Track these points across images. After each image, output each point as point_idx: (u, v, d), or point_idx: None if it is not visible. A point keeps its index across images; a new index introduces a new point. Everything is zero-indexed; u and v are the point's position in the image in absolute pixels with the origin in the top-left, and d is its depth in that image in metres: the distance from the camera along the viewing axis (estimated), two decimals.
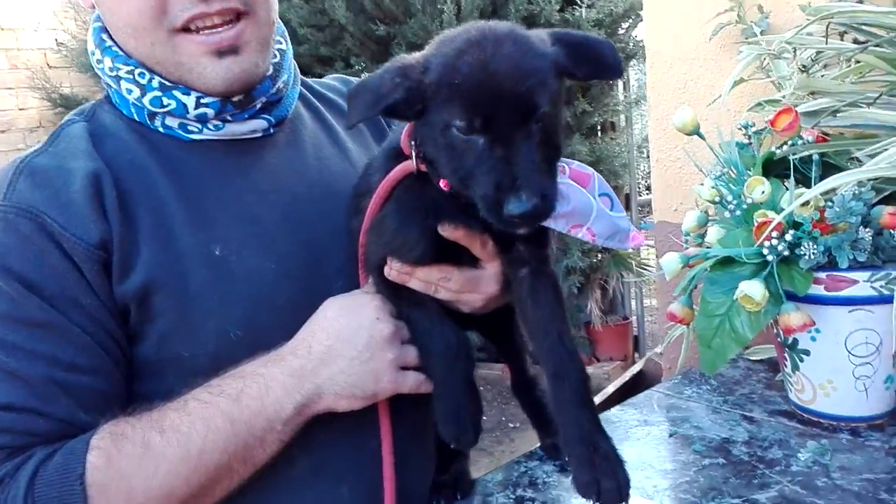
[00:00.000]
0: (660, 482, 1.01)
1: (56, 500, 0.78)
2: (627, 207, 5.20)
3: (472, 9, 4.25)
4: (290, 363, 0.88)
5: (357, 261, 0.98)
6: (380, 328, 0.91)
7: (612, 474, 0.82)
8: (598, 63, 0.84)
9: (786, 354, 1.14)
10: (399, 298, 0.94)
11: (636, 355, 5.08)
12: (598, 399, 1.71)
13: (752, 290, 0.99)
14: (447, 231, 0.88)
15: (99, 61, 0.95)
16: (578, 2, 4.27)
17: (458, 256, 0.91)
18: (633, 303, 5.19)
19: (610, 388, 1.79)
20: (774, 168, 1.15)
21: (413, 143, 0.87)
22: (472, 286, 0.92)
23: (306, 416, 0.88)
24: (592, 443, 0.83)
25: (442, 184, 0.86)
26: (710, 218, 1.24)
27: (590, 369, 5.05)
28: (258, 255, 0.93)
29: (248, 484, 0.88)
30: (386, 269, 0.92)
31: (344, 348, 0.89)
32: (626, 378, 1.84)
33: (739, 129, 1.21)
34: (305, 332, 0.91)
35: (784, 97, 1.15)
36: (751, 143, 1.20)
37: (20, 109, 5.73)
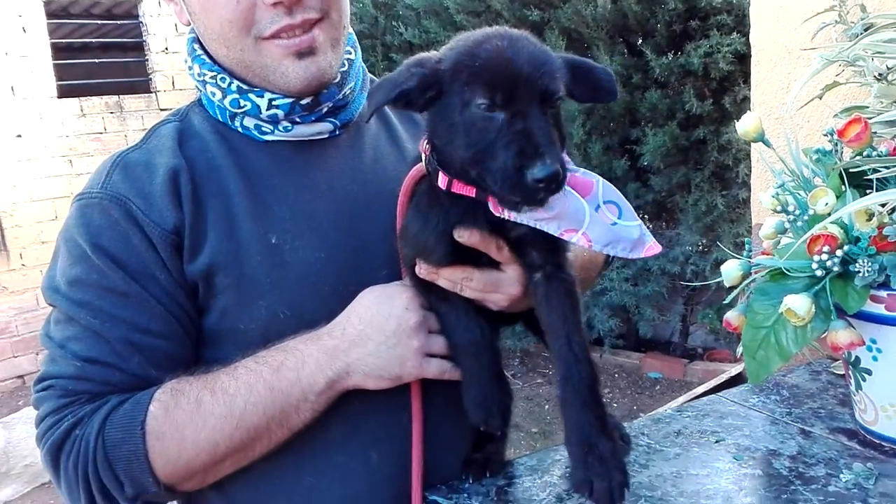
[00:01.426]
0: (686, 487, 1.02)
1: (120, 441, 0.94)
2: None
3: None
4: (325, 342, 0.99)
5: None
6: (408, 317, 1.00)
7: (605, 476, 0.86)
8: (594, 86, 0.92)
9: (850, 372, 1.10)
10: (429, 293, 1.02)
11: None
12: (683, 399, 1.69)
13: (797, 304, 0.97)
14: (462, 236, 0.94)
15: (190, 68, 1.11)
16: None
17: (480, 258, 0.97)
18: None
19: (700, 389, 1.76)
20: (855, 179, 1.10)
21: (426, 143, 0.95)
22: (493, 287, 0.99)
23: (337, 390, 1.00)
24: (590, 444, 0.88)
25: (440, 182, 0.92)
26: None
27: (736, 366, 4.83)
28: (309, 246, 1.04)
29: (287, 444, 1.01)
30: (416, 268, 1.01)
31: (374, 333, 0.99)
32: (723, 379, 1.80)
33: (824, 135, 1.16)
34: (343, 316, 1.02)
35: (871, 104, 1.09)
36: (836, 150, 1.15)
37: None
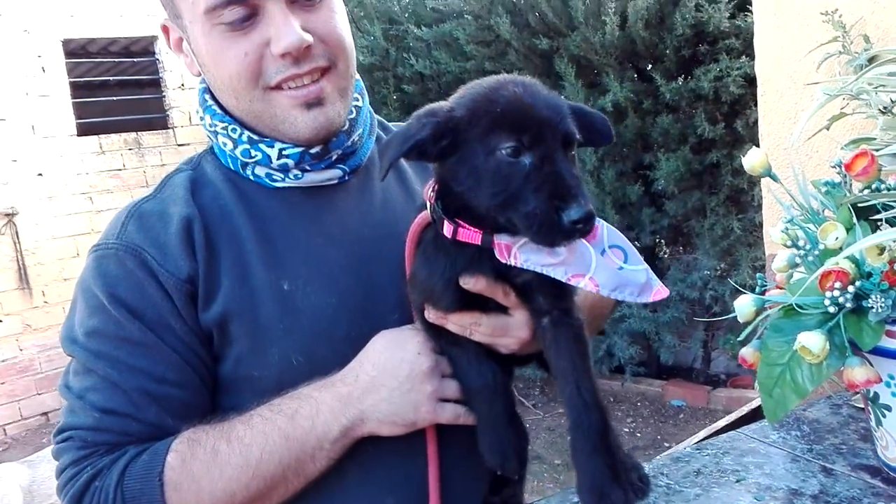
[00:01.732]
0: None
1: (139, 493, 0.95)
2: None
3: (636, 19, 4.17)
4: (338, 389, 1.00)
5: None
6: (420, 362, 1.01)
7: None
8: (591, 130, 0.94)
9: (870, 408, 1.08)
10: (440, 338, 1.03)
11: None
12: (704, 433, 1.67)
13: (812, 342, 0.96)
14: (468, 283, 0.95)
15: (202, 118, 1.13)
16: (749, 8, 4.04)
17: (487, 304, 0.98)
18: None
19: (721, 423, 1.73)
20: (865, 212, 1.10)
21: (430, 192, 0.96)
22: (502, 331, 0.99)
23: (352, 437, 1.00)
24: (602, 492, 0.87)
25: (445, 231, 0.93)
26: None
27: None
28: (321, 292, 1.05)
29: (303, 492, 1.01)
30: (426, 313, 1.02)
31: (386, 379, 0.99)
32: (744, 412, 1.77)
33: (832, 167, 1.16)
34: (355, 362, 1.02)
35: (877, 136, 1.09)
36: (845, 182, 1.15)
37: None
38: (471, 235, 0.92)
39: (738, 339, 1.13)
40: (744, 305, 1.13)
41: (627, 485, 0.90)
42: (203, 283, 1.03)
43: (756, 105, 4.24)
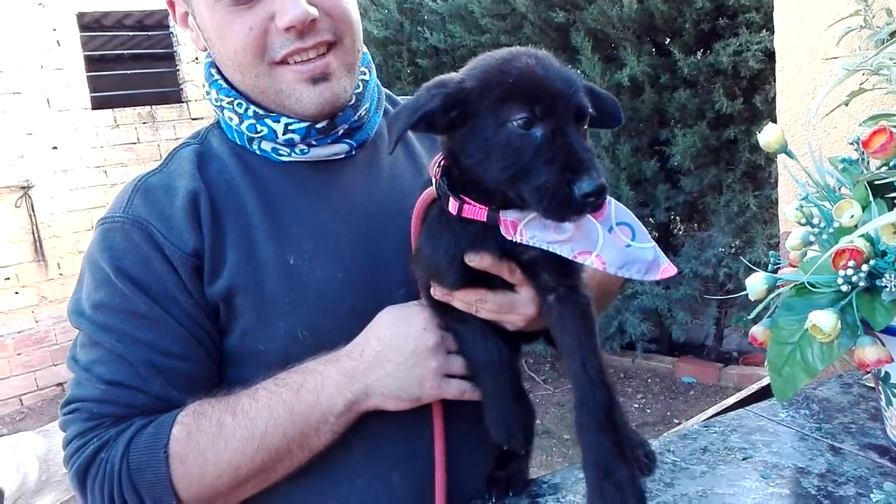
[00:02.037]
0: None
1: (144, 464, 0.96)
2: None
3: None
4: (343, 364, 1.00)
5: None
6: (426, 338, 1.00)
7: (621, 502, 0.85)
8: (602, 111, 0.92)
9: (881, 387, 1.07)
10: (446, 314, 1.02)
11: None
12: (713, 410, 1.66)
13: (823, 320, 0.95)
14: (473, 260, 0.94)
15: (208, 93, 1.12)
16: None
17: (494, 281, 0.97)
18: None
19: (730, 400, 1.72)
20: (882, 190, 1.07)
21: (436, 167, 0.95)
22: (508, 308, 0.98)
23: (356, 412, 1.00)
24: (606, 469, 0.87)
25: (450, 207, 0.92)
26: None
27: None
28: (327, 266, 1.05)
29: (308, 466, 1.02)
30: (431, 290, 1.01)
31: (392, 354, 0.99)
32: (753, 389, 1.76)
33: (850, 143, 1.13)
34: (361, 337, 1.02)
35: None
36: (862, 160, 1.12)
37: None
38: (476, 212, 0.91)
39: (750, 317, 1.12)
40: (755, 283, 1.12)
41: (633, 461, 0.89)
42: (209, 257, 1.03)
43: (775, 80, 4.17)
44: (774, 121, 3.90)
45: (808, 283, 1.01)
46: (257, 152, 1.10)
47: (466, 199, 0.92)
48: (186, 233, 1.02)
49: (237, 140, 1.11)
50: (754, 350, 5.09)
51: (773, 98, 4.11)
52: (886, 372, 1.04)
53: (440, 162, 0.96)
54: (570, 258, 0.90)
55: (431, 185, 0.98)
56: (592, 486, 0.88)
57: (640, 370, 5.07)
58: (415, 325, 1.01)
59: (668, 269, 0.93)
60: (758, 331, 1.15)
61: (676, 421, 4.32)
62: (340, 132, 1.09)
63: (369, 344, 1.01)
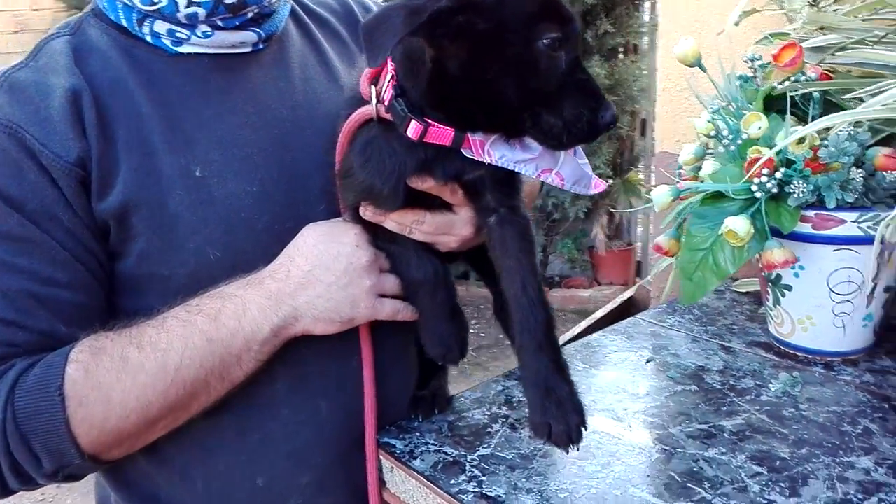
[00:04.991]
0: (630, 405, 1.05)
1: (34, 409, 0.80)
2: (643, 133, 5.14)
3: None
4: (267, 286, 0.90)
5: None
6: (358, 255, 0.92)
7: (562, 419, 0.84)
8: None
9: (769, 289, 1.17)
10: (375, 234, 0.95)
11: (637, 280, 5.14)
12: (586, 323, 1.75)
13: (738, 225, 1.00)
14: (416, 183, 0.88)
15: None
16: None
17: (432, 201, 0.91)
18: (639, 229, 5.20)
19: (598, 313, 1.82)
20: (776, 104, 1.14)
21: (374, 88, 0.86)
22: (446, 229, 0.93)
23: (283, 337, 0.91)
24: (547, 387, 0.86)
25: (411, 132, 0.83)
26: (707, 151, 1.24)
27: (590, 292, 5.15)
28: (239, 179, 0.93)
29: (226, 400, 0.91)
30: (361, 210, 0.93)
31: (322, 274, 0.90)
32: (617, 303, 1.88)
33: (745, 61, 1.19)
34: (285, 256, 0.92)
35: (794, 31, 1.13)
36: (755, 77, 1.19)
37: (33, 10, 5.65)
38: (442, 135, 0.84)
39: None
40: (661, 195, 1.16)
41: (571, 379, 0.89)
42: (97, 167, 0.87)
43: (607, 16, 4.33)
44: (602, 57, 4.06)
45: (720, 191, 1.06)
46: (148, 39, 0.93)
47: (431, 121, 0.84)
48: (68, 138, 0.85)
49: (124, 22, 0.93)
50: (574, 274, 5.48)
51: (604, 34, 4.32)
52: (778, 274, 1.13)
53: (389, 80, 0.86)
54: (532, 177, 0.87)
55: (360, 102, 0.88)
56: (534, 405, 0.87)
57: (473, 297, 5.22)
58: (345, 242, 0.93)
59: (598, 183, 0.93)
60: (663, 240, 1.20)
61: (507, 343, 4.56)
62: (250, 15, 0.95)
63: (295, 263, 0.91)
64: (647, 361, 1.19)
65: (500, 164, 0.86)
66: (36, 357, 0.84)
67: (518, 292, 0.89)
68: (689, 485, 0.86)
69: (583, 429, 0.86)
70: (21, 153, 0.84)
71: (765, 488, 0.85)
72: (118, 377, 0.83)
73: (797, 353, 1.16)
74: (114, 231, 0.89)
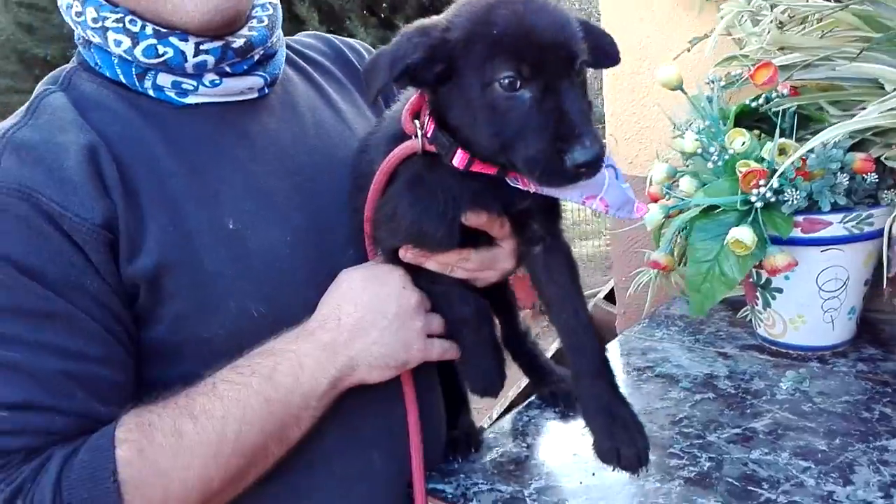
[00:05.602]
0: (662, 420, 1.07)
1: (88, 501, 0.72)
2: None
3: None
4: (320, 337, 0.85)
5: (363, 232, 0.95)
6: (407, 297, 0.90)
7: (631, 442, 0.84)
8: (600, 52, 0.84)
9: (758, 294, 1.23)
10: (416, 275, 0.93)
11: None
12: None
13: (743, 235, 1.06)
14: (472, 220, 0.86)
15: (79, 13, 0.86)
16: None
17: (476, 238, 0.90)
18: None
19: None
20: (743, 120, 1.23)
21: (417, 122, 0.84)
22: (490, 264, 0.92)
23: (340, 389, 0.87)
24: (610, 412, 0.86)
25: (457, 161, 0.82)
26: (678, 170, 1.30)
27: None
28: (273, 228, 0.88)
29: (280, 462, 0.86)
30: (401, 253, 0.91)
31: (375, 319, 0.87)
32: None
33: (707, 83, 1.27)
34: (330, 305, 0.88)
35: (749, 53, 1.22)
36: (719, 97, 1.27)
37: None
38: (487, 166, 0.82)
39: (660, 247, 1.21)
40: (653, 214, 1.21)
41: (628, 401, 0.89)
42: (124, 228, 0.79)
43: None
44: None
45: (713, 204, 1.12)
46: (150, 93, 0.87)
47: None
48: (90, 199, 0.78)
49: (122, 78, 0.86)
50: None
51: None
52: (768, 279, 1.19)
53: (427, 113, 0.84)
54: (579, 203, 0.86)
55: (401, 138, 0.86)
56: (601, 431, 0.86)
57: None
58: (392, 284, 0.90)
59: (641, 207, 0.94)
60: (659, 257, 1.24)
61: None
62: (256, 57, 0.91)
63: (344, 311, 0.87)
64: (656, 376, 1.21)
65: (543, 193, 0.86)
66: (75, 443, 0.75)
67: (571, 319, 0.89)
68: (749, 488, 0.89)
69: (649, 451, 0.86)
70: (39, 219, 0.76)
71: (819, 481, 0.88)
72: (175, 454, 0.76)
73: (790, 352, 1.22)
74: (143, 295, 0.82)
